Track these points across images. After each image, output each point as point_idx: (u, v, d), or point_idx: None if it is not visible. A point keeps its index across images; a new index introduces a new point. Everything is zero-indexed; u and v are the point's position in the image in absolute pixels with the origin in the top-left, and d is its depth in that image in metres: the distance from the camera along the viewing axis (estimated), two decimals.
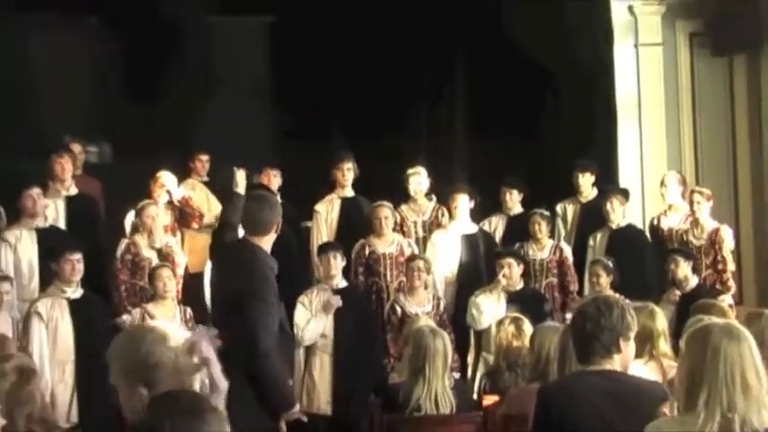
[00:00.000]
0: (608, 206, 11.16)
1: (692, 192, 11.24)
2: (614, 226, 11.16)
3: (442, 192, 11.67)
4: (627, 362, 5.19)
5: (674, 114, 12.21)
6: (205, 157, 12.25)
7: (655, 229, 11.44)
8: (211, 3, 13.64)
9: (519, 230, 11.37)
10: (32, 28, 14.27)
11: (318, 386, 10.08)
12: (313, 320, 10.09)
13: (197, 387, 3.99)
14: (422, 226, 11.51)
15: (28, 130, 13.36)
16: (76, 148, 12.05)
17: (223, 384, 4.04)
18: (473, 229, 11.33)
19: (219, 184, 11.72)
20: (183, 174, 11.76)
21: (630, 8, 12.22)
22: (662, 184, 11.56)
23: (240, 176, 11.53)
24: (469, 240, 11.22)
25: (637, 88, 12.25)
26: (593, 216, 11.41)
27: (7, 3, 13.27)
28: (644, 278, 10.63)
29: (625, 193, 11.47)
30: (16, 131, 13.52)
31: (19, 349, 7.85)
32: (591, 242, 11.26)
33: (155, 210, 10.86)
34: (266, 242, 6.82)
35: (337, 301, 10.06)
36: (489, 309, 10.16)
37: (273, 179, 11.66)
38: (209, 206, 11.68)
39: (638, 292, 8.83)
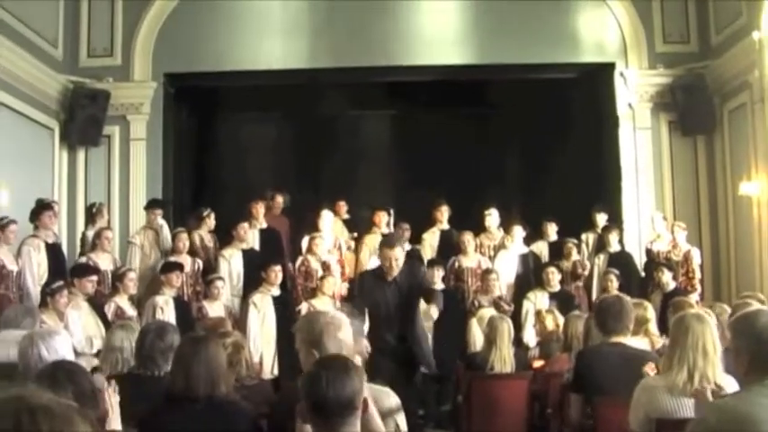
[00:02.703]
0: (607, 237, 11.19)
1: (674, 225, 11.30)
2: (611, 250, 11.15)
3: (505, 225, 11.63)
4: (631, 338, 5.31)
5: (659, 174, 12.22)
6: (342, 203, 12.43)
7: (648, 250, 11.41)
8: (354, 102, 13.80)
9: (556, 252, 11.32)
10: (245, 121, 14.58)
11: None
12: None
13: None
14: (493, 249, 11.49)
15: (240, 186, 13.62)
16: (278, 198, 12.20)
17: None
18: (525, 250, 11.31)
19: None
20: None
21: (630, 105, 12.26)
22: (652, 220, 11.58)
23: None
24: (523, 258, 11.21)
25: (635, 157, 12.25)
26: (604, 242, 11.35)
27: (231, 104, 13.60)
28: (630, 284, 10.44)
29: (620, 228, 11.56)
30: (231, 187, 13.83)
31: (234, 327, 7.96)
32: (596, 261, 11.19)
33: (318, 237, 11.01)
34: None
35: None
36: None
37: (382, 218, 11.77)
38: (344, 235, 11.89)
39: (626, 294, 8.79)
